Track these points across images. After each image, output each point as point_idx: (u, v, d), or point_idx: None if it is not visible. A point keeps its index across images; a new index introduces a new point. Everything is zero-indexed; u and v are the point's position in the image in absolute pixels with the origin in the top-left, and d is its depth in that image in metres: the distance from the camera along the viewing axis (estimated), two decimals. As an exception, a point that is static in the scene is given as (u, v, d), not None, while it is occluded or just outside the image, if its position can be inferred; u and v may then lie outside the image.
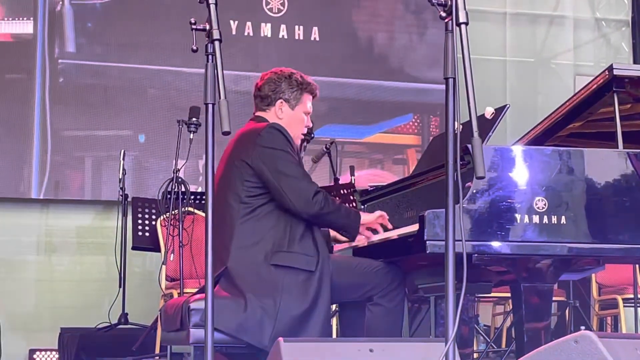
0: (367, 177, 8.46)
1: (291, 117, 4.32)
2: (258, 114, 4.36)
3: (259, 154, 4.11)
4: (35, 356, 7.46)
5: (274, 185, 4.08)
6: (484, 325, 7.70)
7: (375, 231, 4.42)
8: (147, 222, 6.80)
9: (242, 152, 4.16)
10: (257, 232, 4.09)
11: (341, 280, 4.17)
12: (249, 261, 4.05)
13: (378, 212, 4.43)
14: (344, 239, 4.40)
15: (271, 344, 3.84)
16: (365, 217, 4.33)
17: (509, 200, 3.92)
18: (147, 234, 6.79)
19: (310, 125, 4.47)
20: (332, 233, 4.40)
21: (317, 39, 8.77)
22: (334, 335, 6.27)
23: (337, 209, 4.15)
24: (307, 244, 4.11)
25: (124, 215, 7.34)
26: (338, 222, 4.20)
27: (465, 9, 3.03)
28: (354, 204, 5.35)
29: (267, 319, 3.95)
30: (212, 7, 3.25)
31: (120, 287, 7.25)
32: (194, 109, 6.37)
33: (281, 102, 4.32)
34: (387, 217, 4.42)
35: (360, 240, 4.48)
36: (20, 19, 8.16)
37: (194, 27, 3.28)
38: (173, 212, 6.23)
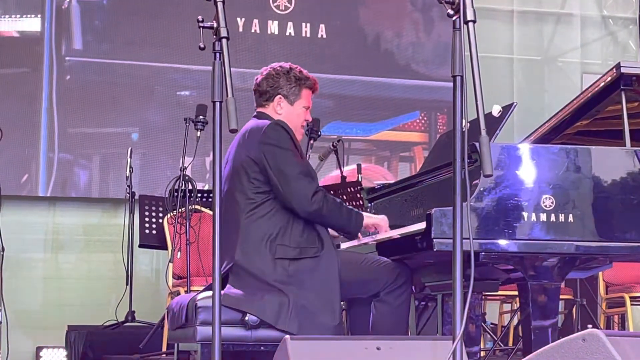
0: (364, 173, 8.44)
1: (290, 112, 4.34)
2: (259, 110, 4.39)
3: (262, 151, 4.14)
4: (42, 354, 7.46)
5: (275, 183, 4.12)
6: (491, 324, 7.69)
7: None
8: (154, 219, 6.81)
9: (247, 150, 4.19)
10: (262, 227, 4.12)
11: (348, 276, 4.19)
12: (256, 257, 4.10)
13: (382, 216, 4.44)
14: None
15: (292, 327, 3.97)
16: (368, 220, 4.34)
17: (516, 198, 3.92)
18: (154, 231, 6.79)
19: (310, 119, 4.47)
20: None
21: (324, 36, 8.77)
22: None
23: (337, 209, 4.16)
24: (311, 237, 4.15)
25: (131, 213, 7.34)
26: (337, 222, 4.20)
27: (472, 6, 3.02)
28: (361, 202, 5.35)
29: (284, 309, 4.00)
30: (220, 4, 3.25)
31: (127, 284, 7.26)
32: (201, 106, 6.37)
33: (280, 98, 4.34)
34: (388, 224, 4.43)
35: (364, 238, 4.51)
36: (28, 16, 8.17)
37: (201, 24, 3.28)
38: (180, 210, 6.24)
